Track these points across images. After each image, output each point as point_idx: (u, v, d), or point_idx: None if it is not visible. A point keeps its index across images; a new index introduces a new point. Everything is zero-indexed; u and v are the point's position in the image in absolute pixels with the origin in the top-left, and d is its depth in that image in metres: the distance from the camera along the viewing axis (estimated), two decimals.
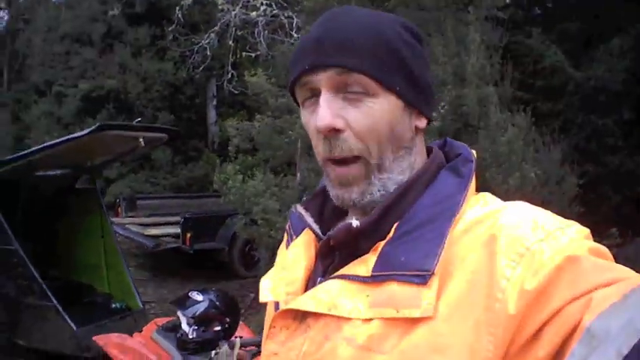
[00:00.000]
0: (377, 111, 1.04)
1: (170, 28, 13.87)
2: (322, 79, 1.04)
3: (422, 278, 0.92)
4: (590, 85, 8.07)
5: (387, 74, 1.04)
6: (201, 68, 14.23)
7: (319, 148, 1.09)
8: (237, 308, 4.79)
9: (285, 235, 1.33)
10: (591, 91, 8.15)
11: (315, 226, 1.18)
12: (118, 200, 13.26)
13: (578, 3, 9.46)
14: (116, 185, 15.94)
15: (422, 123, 1.12)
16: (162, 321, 5.06)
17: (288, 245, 1.27)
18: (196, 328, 4.37)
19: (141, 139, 6.44)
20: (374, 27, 1.06)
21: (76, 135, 5.95)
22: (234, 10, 11.50)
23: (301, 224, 1.22)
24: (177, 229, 10.88)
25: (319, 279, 1.11)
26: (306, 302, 1.04)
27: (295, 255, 1.19)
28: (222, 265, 10.96)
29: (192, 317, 4.39)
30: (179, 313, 4.52)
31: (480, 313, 0.88)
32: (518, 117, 6.80)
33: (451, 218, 0.99)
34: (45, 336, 6.06)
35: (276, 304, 1.16)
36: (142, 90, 16.96)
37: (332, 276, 1.06)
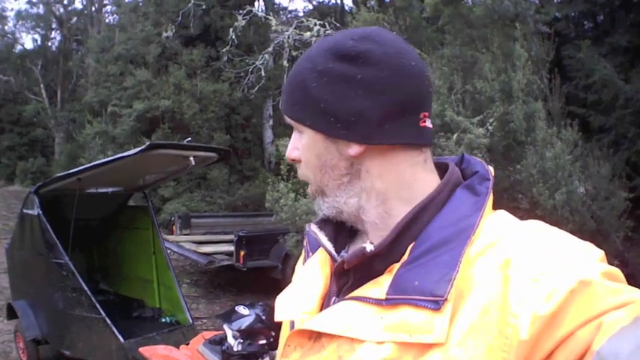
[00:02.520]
0: (304, 146, 1.13)
1: (224, 49, 13.99)
2: None
3: (435, 304, 0.91)
4: None
5: (299, 112, 1.11)
6: (256, 89, 14.34)
7: None
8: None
9: (303, 252, 1.35)
10: None
11: (330, 246, 1.16)
12: (173, 218, 13.41)
13: (628, 16, 9.33)
14: (172, 204, 16.09)
15: (353, 150, 1.07)
16: (209, 334, 5.09)
17: (304, 263, 1.29)
18: (242, 341, 4.40)
19: (191, 158, 6.49)
20: (297, 66, 1.13)
21: (126, 154, 6.03)
22: (287, 31, 11.60)
23: (317, 243, 1.22)
24: (230, 247, 10.89)
25: (334, 299, 1.12)
26: (321, 323, 1.04)
27: (311, 273, 1.21)
28: (275, 282, 10.97)
29: (237, 330, 4.42)
30: (225, 327, 4.57)
31: (493, 339, 0.87)
32: (566, 132, 6.72)
33: (466, 241, 0.98)
34: (92, 347, 6.12)
35: (292, 323, 1.17)
36: (198, 110, 17.10)
37: (346, 297, 1.05)
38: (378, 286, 1.00)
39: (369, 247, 1.03)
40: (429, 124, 1.10)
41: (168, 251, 8.88)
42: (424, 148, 1.11)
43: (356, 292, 1.04)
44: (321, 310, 1.12)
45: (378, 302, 0.98)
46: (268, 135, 18.69)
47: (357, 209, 1.12)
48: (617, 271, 0.91)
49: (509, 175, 6.92)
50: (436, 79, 7.64)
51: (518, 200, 6.57)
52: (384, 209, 1.09)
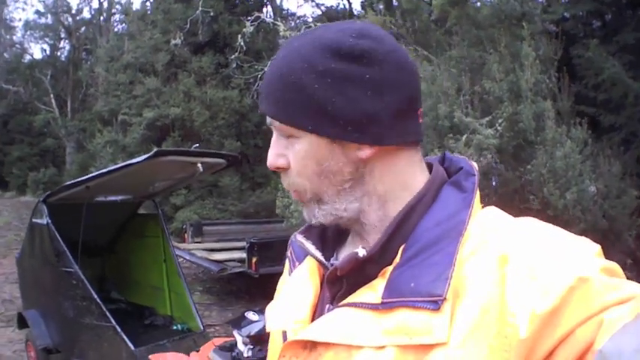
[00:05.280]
0: (300, 152, 1.05)
1: (233, 56, 13.99)
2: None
3: (434, 304, 0.90)
4: None
5: (296, 116, 1.03)
6: None
7: None
8: None
9: (287, 262, 1.32)
10: None
11: (319, 254, 1.15)
12: (184, 226, 13.44)
13: (636, 14, 9.30)
14: (183, 212, 16.15)
15: (364, 153, 1.04)
16: (220, 341, 5.11)
17: (290, 273, 1.27)
18: (251, 347, 4.40)
19: (199, 165, 6.50)
20: (284, 66, 1.04)
21: (132, 161, 6.04)
22: None
23: (303, 251, 1.21)
24: (242, 254, 10.89)
25: (327, 306, 1.10)
26: (317, 331, 1.02)
27: (300, 283, 1.19)
28: None
29: (247, 337, 4.43)
30: (235, 333, 4.57)
31: (493, 338, 0.86)
32: (575, 131, 6.69)
33: (458, 238, 0.97)
34: (102, 355, 6.13)
35: (284, 333, 1.14)
36: (208, 118, 17.14)
37: (341, 304, 1.04)
38: (373, 291, 0.99)
39: (362, 252, 1.02)
40: (422, 120, 1.10)
41: (180, 259, 8.89)
42: (419, 145, 1.11)
43: (350, 299, 1.02)
44: (313, 318, 1.12)
45: (374, 307, 0.97)
46: None
47: (357, 213, 1.09)
48: (615, 266, 0.90)
49: (520, 176, 6.90)
50: (444, 80, 7.63)
51: (529, 201, 6.54)
52: (383, 212, 1.08)
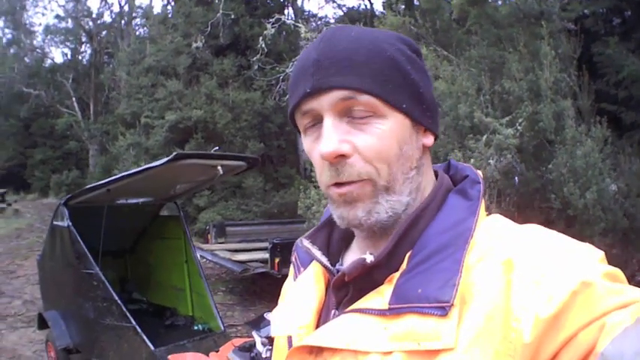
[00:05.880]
0: (386, 132, 1.00)
1: (255, 58, 14.03)
2: (324, 103, 1.00)
3: (442, 310, 0.91)
4: None
5: (393, 93, 1.00)
6: (287, 96, 14.41)
7: (323, 177, 1.05)
8: None
9: (292, 267, 1.32)
10: None
11: (324, 259, 1.16)
12: (207, 227, 13.50)
13: None
14: (207, 212, 16.21)
15: (429, 140, 1.08)
16: (239, 342, 5.12)
17: (295, 278, 1.26)
18: (270, 348, 4.40)
19: (219, 167, 6.53)
20: (375, 44, 1.01)
21: (152, 165, 6.06)
22: (316, 38, 11.63)
23: (308, 257, 1.20)
24: (265, 255, 10.92)
25: (333, 312, 1.10)
26: (323, 337, 1.02)
27: (305, 288, 1.19)
28: None
29: (266, 337, 4.44)
30: (254, 334, 4.59)
31: (499, 344, 0.86)
32: (595, 129, 6.65)
33: (464, 245, 0.97)
34: (122, 355, 6.16)
35: (289, 338, 1.14)
36: (231, 119, 17.23)
37: (348, 309, 1.03)
38: (380, 297, 0.99)
39: (369, 258, 1.02)
40: None
41: (203, 260, 8.92)
42: None
43: (357, 304, 1.02)
44: (317, 324, 1.12)
45: (381, 313, 0.97)
46: (302, 142, 18.73)
47: (405, 209, 1.06)
48: (618, 272, 0.90)
49: (541, 175, 6.87)
50: (464, 80, 7.61)
51: (550, 200, 6.50)
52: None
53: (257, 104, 17.51)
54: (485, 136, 6.74)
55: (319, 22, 23.55)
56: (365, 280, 1.04)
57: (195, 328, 7.43)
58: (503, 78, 7.50)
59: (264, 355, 4.39)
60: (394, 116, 1.01)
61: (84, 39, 34.63)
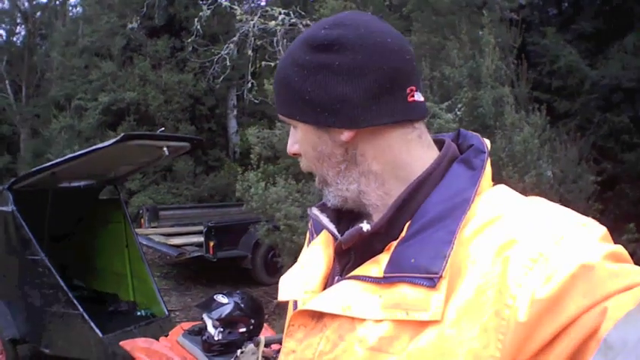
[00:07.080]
0: (300, 139, 1.17)
1: (189, 40, 13.81)
2: None
3: (431, 281, 0.91)
4: (605, 84, 8.06)
5: (288, 108, 1.14)
6: (221, 79, 14.23)
7: None
8: (262, 310, 4.77)
9: (307, 234, 1.36)
10: (607, 89, 8.14)
11: (332, 227, 1.18)
12: (140, 211, 13.31)
13: (594, 3, 9.46)
14: (138, 197, 15.93)
15: (344, 136, 1.09)
16: (188, 325, 5.08)
17: (309, 244, 1.31)
18: (222, 330, 4.39)
19: (165, 149, 6.48)
20: (281, 67, 1.16)
21: (100, 145, 5.97)
22: (252, 20, 11.51)
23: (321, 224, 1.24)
24: (200, 238, 10.86)
25: (336, 278, 1.13)
26: (321, 303, 1.05)
27: (314, 254, 1.23)
28: (246, 272, 10.91)
29: (217, 320, 4.42)
30: (204, 316, 4.56)
31: (489, 319, 0.86)
32: (534, 116, 6.81)
33: (461, 216, 0.98)
34: (71, 344, 6.08)
35: (295, 303, 1.18)
36: (163, 102, 16.97)
37: (346, 277, 1.06)
38: (377, 265, 1.02)
39: (366, 227, 1.06)
40: (418, 97, 1.11)
41: None
42: (417, 123, 1.12)
43: (356, 272, 1.05)
44: (324, 289, 1.14)
45: (376, 281, 1.00)
46: (232, 125, 18.65)
47: (358, 195, 1.14)
48: (620, 250, 0.90)
49: None
50: None
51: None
52: (383, 191, 1.11)
53: (189, 86, 17.29)
54: (425, 120, 6.83)
55: (254, 4, 23.34)
56: (365, 248, 1.08)
57: (139, 313, 7.38)
58: (442, 64, 7.60)
59: (216, 338, 4.37)
60: (300, 126, 1.15)
61: (19, 20, 33.50)
